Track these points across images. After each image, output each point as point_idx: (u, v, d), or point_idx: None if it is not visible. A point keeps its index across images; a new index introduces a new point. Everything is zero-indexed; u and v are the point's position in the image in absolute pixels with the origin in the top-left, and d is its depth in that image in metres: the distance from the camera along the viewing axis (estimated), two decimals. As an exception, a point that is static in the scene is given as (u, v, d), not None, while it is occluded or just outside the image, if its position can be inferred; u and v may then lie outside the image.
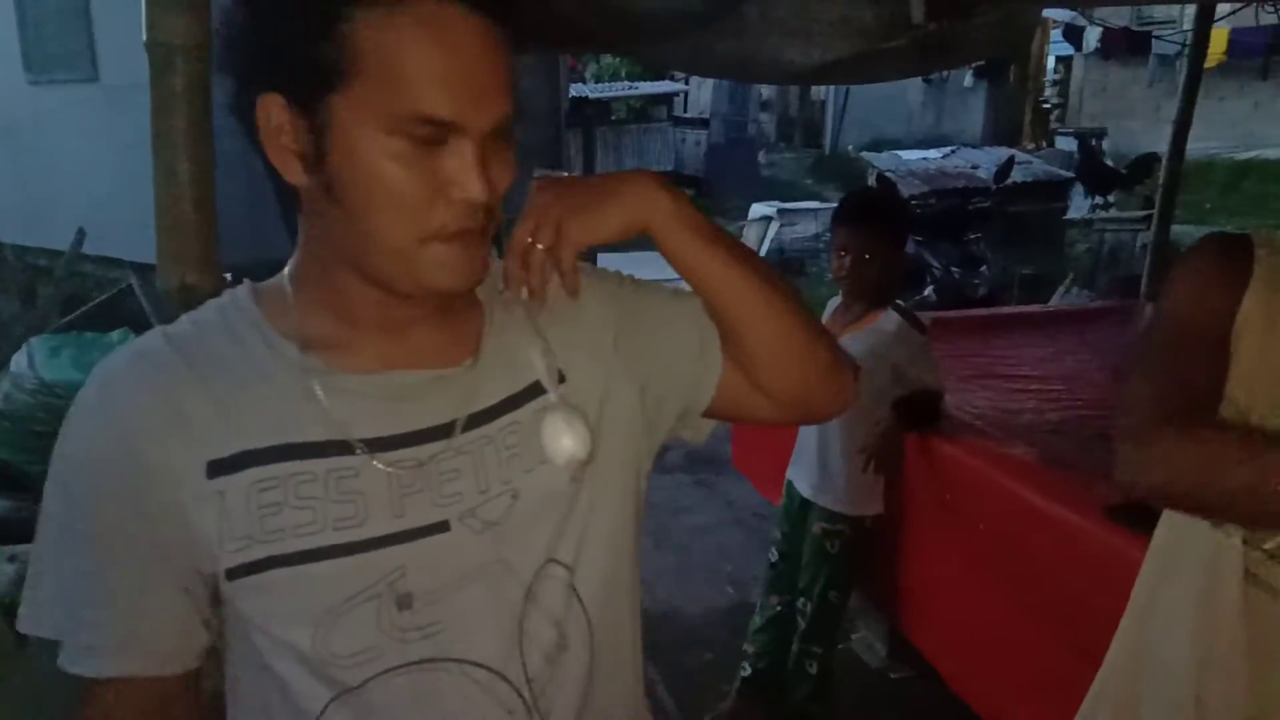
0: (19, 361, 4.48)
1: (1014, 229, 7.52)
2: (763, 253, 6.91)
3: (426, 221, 0.72)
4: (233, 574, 0.75)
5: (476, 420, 0.81)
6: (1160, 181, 4.94)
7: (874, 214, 2.58)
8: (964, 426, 2.76)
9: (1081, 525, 2.08)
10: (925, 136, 15.32)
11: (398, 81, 0.69)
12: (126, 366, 0.77)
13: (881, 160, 9.10)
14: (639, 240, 0.86)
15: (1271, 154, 12.21)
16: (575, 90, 13.24)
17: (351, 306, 0.78)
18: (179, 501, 0.74)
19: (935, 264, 7.07)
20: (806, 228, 9.45)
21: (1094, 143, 10.76)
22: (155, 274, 1.39)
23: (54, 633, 0.76)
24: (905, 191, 7.21)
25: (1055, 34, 11.65)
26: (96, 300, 7.09)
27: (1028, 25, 5.08)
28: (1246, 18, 6.60)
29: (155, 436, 0.74)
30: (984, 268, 7.04)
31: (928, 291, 7.03)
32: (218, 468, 0.74)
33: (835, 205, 2.78)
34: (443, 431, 0.79)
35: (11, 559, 3.00)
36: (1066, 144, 11.39)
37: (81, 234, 6.79)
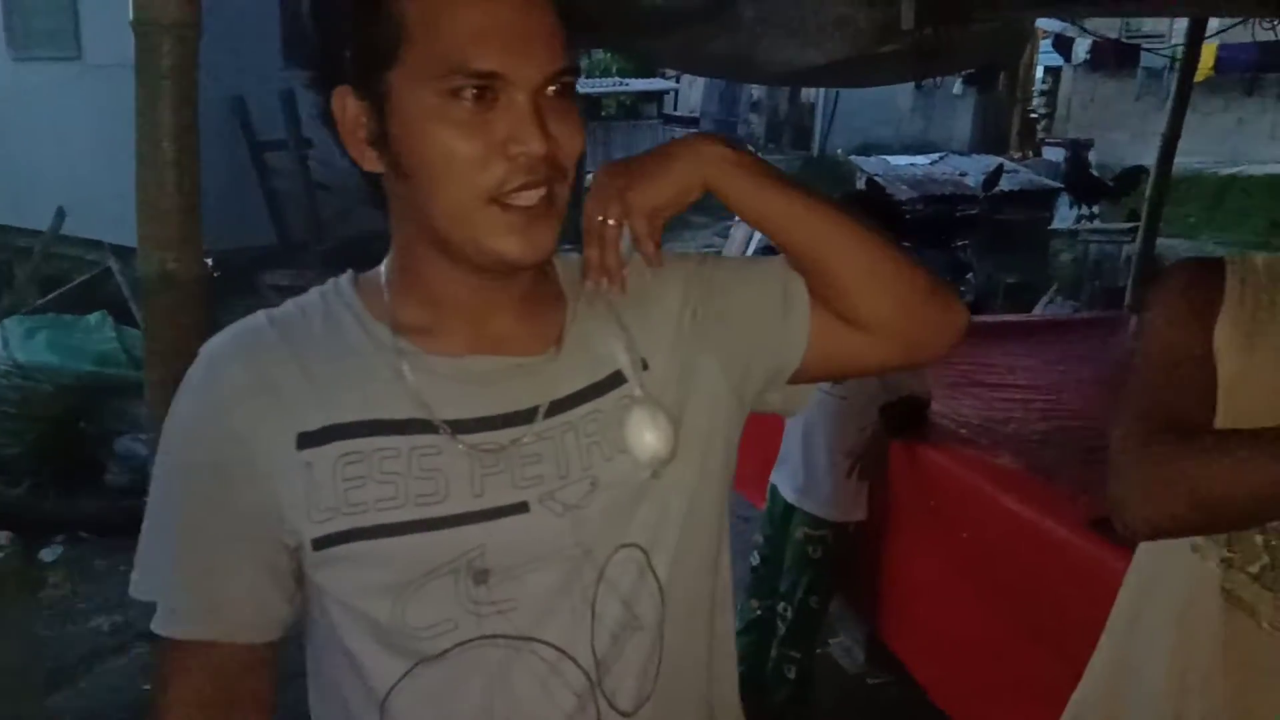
0: (-7, 342, 4.42)
1: (1000, 237, 7.55)
2: (749, 254, 6.92)
3: (485, 180, 0.73)
4: (318, 544, 0.76)
5: (558, 407, 0.82)
6: (1147, 194, 4.97)
7: (866, 217, 2.57)
8: (950, 434, 2.76)
9: (1065, 536, 2.08)
10: (913, 142, 15.36)
11: (444, 41, 0.71)
12: (229, 341, 0.81)
13: (870, 165, 9.12)
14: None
15: (1255, 170, 12.33)
16: (565, 85, 13.18)
17: (437, 290, 0.80)
18: (267, 472, 0.76)
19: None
20: (794, 229, 9.43)
21: (1076, 154, 10.84)
22: (136, 257, 1.36)
23: (153, 595, 0.80)
24: (893, 197, 7.22)
25: (1045, 44, 11.71)
26: (75, 282, 7.02)
27: (1021, 34, 5.11)
28: (1235, 34, 6.65)
29: (246, 405, 0.77)
30: (970, 275, 7.07)
31: (914, 297, 7.03)
32: (306, 440, 0.76)
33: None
34: (525, 416, 0.80)
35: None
36: (1053, 154, 11.44)
37: (61, 214, 6.72)
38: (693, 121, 16.02)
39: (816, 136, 17.75)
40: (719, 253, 8.19)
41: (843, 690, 3.03)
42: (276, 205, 7.25)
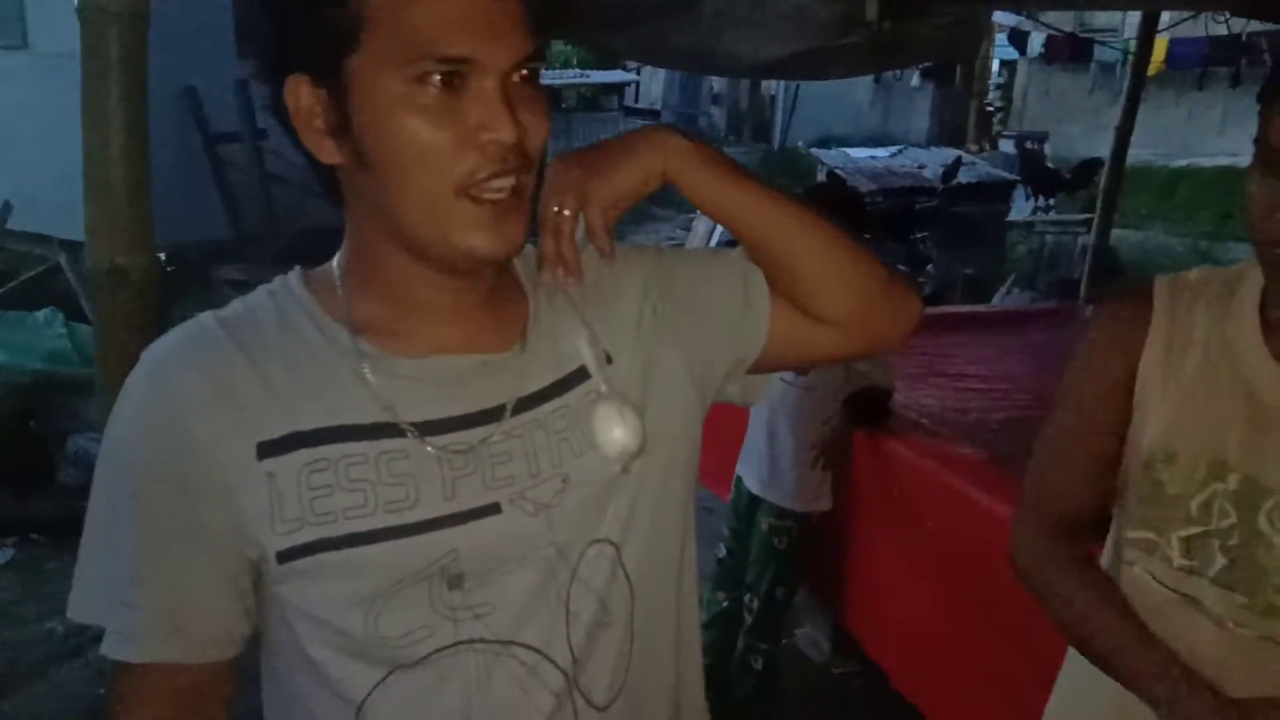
0: (-64, 340, 4.29)
1: (958, 229, 7.63)
2: (711, 246, 6.95)
3: (456, 170, 0.70)
4: (283, 557, 0.73)
5: (526, 404, 0.80)
6: (1101, 186, 5.05)
7: (830, 209, 2.57)
8: (912, 425, 2.78)
9: (1026, 525, 2.10)
10: (872, 134, 15.49)
11: (410, 26, 0.68)
12: (176, 346, 0.77)
13: (830, 157, 9.18)
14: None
15: (1205, 162, 12.59)
16: (526, 76, 13.10)
17: (399, 288, 0.78)
18: (227, 483, 0.73)
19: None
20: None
21: (1030, 145, 10.99)
22: (84, 252, 1.33)
23: (98, 618, 0.76)
24: (854, 190, 7.27)
25: (1000, 38, 11.85)
26: (22, 278, 6.85)
27: (978, 27, 5.16)
28: (1186, 28, 6.77)
29: (204, 415, 0.73)
30: (930, 267, 7.14)
31: (875, 289, 7.08)
32: (268, 449, 0.73)
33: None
34: (493, 415, 0.79)
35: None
36: (1010, 147, 11.61)
37: (8, 208, 6.54)
38: (654, 114, 15.99)
39: (777, 129, 17.83)
40: (682, 245, 8.19)
41: (809, 681, 3.05)
42: (230, 198, 7.13)
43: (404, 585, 0.75)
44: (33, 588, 3.54)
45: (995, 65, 16.29)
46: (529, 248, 0.83)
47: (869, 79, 15.40)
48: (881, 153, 9.32)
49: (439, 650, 0.76)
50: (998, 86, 17.05)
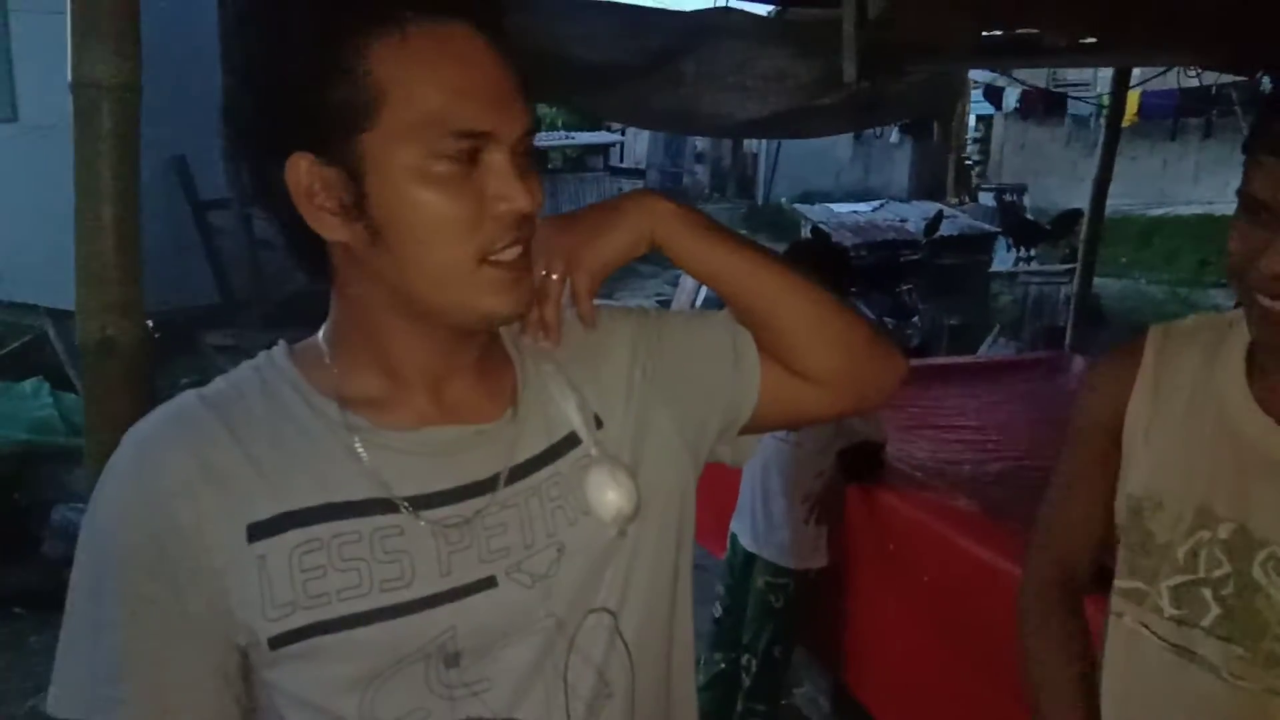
0: (-79, 412, 4.25)
1: (942, 280, 7.71)
2: (698, 303, 6.96)
3: (477, 239, 0.71)
4: (275, 643, 0.71)
5: (519, 473, 0.79)
6: (1082, 236, 5.11)
7: (815, 264, 2.60)
8: (906, 477, 2.77)
9: (1024, 577, 2.08)
10: (853, 190, 15.69)
11: (426, 100, 0.68)
12: (160, 427, 0.75)
13: (814, 213, 9.29)
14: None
15: (1182, 210, 12.81)
16: (511, 139, 13.24)
17: (395, 357, 0.77)
18: (214, 568, 0.71)
19: (869, 314, 7.12)
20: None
21: (1009, 197, 11.16)
22: (73, 322, 1.32)
23: (81, 713, 0.72)
24: (839, 244, 7.35)
25: (976, 94, 12.10)
26: (9, 348, 6.81)
27: (953, 85, 5.27)
28: (1157, 81, 6.93)
29: (190, 498, 0.71)
30: (916, 318, 7.19)
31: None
32: (258, 530, 0.71)
33: (776, 256, 2.80)
34: (487, 486, 0.77)
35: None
36: (990, 199, 11.78)
37: (-6, 278, 6.53)
38: (639, 173, 16.17)
39: (760, 185, 18.05)
40: (668, 303, 8.22)
41: (809, 741, 3.00)
42: (219, 264, 7.13)
43: (401, 665, 0.72)
44: (15, 663, 3.46)
45: (972, 120, 16.57)
46: None
47: (849, 136, 15.63)
48: (864, 207, 9.44)
49: None
50: (975, 140, 17.33)
